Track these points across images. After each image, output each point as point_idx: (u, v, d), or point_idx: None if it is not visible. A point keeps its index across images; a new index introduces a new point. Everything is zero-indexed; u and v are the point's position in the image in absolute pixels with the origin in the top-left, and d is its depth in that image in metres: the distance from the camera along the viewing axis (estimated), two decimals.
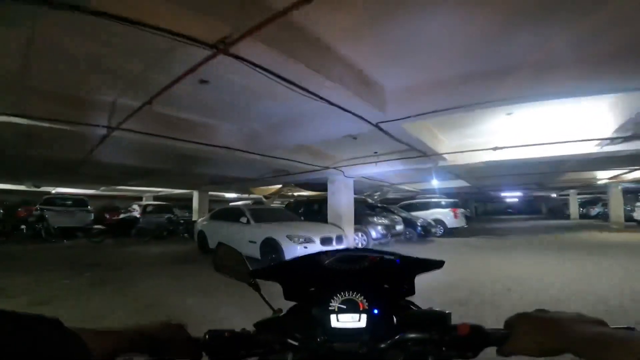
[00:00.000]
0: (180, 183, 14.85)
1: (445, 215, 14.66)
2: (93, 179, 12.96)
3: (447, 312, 0.70)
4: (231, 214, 8.99)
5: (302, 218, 9.44)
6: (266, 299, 0.91)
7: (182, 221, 14.37)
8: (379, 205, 13.27)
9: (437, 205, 15.20)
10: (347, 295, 0.75)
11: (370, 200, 13.72)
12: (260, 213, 8.71)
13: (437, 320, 0.69)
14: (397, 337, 0.68)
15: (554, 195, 28.81)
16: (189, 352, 0.66)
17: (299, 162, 7.91)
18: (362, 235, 10.22)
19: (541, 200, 34.78)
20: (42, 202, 13.67)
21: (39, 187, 18.13)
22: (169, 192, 19.27)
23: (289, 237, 6.83)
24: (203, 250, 9.57)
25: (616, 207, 16.88)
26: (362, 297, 0.75)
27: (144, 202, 16.45)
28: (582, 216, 24.78)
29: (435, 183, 14.64)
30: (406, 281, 0.82)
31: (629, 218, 16.86)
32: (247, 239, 7.78)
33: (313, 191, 15.12)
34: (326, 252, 0.82)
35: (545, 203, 34.84)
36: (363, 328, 0.72)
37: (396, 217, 11.39)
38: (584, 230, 15.25)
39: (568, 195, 25.13)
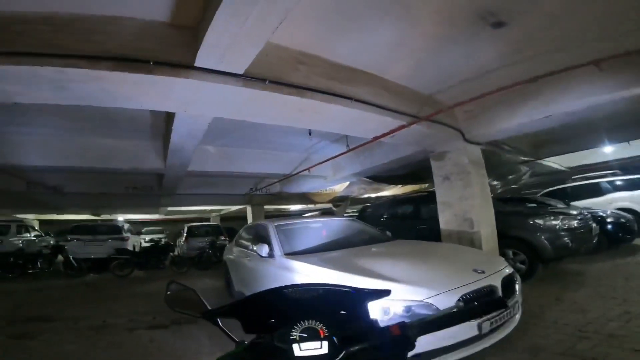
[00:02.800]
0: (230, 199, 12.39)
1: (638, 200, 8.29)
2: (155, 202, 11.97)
3: (374, 319, 0.84)
4: (255, 236, 4.69)
5: (389, 233, 4.56)
6: (227, 332, 0.94)
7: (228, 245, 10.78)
8: (526, 197, 7.69)
9: (617, 187, 8.77)
10: (307, 324, 0.78)
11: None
12: (300, 233, 4.22)
13: (377, 330, 0.82)
14: (344, 353, 0.75)
15: None
16: None
17: (362, 100, 3.31)
18: (515, 255, 5.02)
19: None
20: (70, 230, 11.49)
21: (98, 215, 17.10)
22: (228, 209, 16.75)
23: None
24: (229, 292, 5.53)
25: None
26: (322, 325, 0.78)
27: (188, 225, 13.32)
28: None
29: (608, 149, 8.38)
30: (362, 307, 0.86)
31: None
32: (268, 286, 3.35)
33: (404, 185, 10.05)
34: (284, 286, 0.89)
35: None
36: (326, 354, 0.75)
37: (574, 212, 5.73)
38: None
39: None
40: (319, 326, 0.78)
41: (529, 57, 3.24)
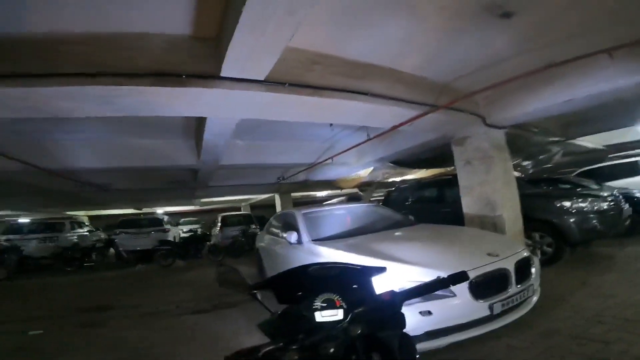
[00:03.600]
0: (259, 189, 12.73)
1: None
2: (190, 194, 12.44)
3: (374, 290, 1.08)
4: (284, 224, 4.95)
5: (411, 217, 4.71)
6: (265, 304, 1.13)
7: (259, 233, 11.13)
8: (558, 178, 7.43)
9: None
10: (326, 295, 0.98)
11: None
12: (326, 219, 4.44)
13: (375, 298, 1.05)
14: (350, 316, 0.94)
15: None
16: None
17: (378, 95, 3.43)
18: (542, 237, 4.98)
19: None
20: (118, 224, 12.40)
21: (140, 209, 18.26)
22: (257, 197, 17.27)
23: None
24: (261, 277, 5.84)
25: None
26: (338, 296, 0.97)
27: (222, 215, 13.86)
28: None
29: None
30: (367, 281, 1.10)
31: None
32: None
33: (428, 169, 10.02)
34: (308, 264, 1.15)
35: None
36: (340, 320, 0.94)
37: (604, 193, 5.50)
38: None
39: None
40: (336, 297, 0.97)
41: (543, 45, 3.21)
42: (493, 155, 4.92)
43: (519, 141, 6.82)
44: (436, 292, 2.38)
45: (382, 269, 1.17)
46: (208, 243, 11.80)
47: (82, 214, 17.53)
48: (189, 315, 4.35)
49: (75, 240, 11.22)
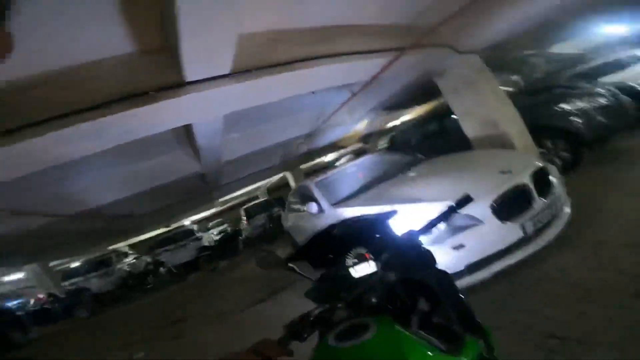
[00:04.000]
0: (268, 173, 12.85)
1: None
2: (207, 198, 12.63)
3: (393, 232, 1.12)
4: (302, 197, 5.04)
5: (417, 155, 4.70)
6: (304, 274, 1.16)
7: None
8: (548, 85, 7.14)
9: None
10: (355, 251, 1.07)
11: None
12: (338, 181, 4.51)
13: (396, 239, 1.06)
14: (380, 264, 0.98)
15: None
16: (281, 352, 0.82)
17: (344, 53, 3.48)
18: (554, 144, 4.91)
19: None
20: (153, 245, 13.07)
21: (169, 225, 18.96)
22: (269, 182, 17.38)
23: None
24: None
25: None
26: (366, 250, 1.03)
27: (243, 208, 13.76)
28: None
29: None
30: (385, 227, 1.14)
31: None
32: None
33: (416, 106, 9.83)
34: (330, 225, 1.22)
35: None
36: (375, 271, 0.98)
37: (599, 89, 5.22)
38: None
39: None
40: (364, 251, 1.03)
41: None
42: (476, 79, 4.90)
43: (497, 61, 6.63)
44: (463, 224, 2.47)
45: (393, 212, 1.25)
46: (240, 238, 12.31)
47: (123, 245, 18.34)
48: (251, 307, 4.69)
49: (128, 269, 11.95)
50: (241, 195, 18.29)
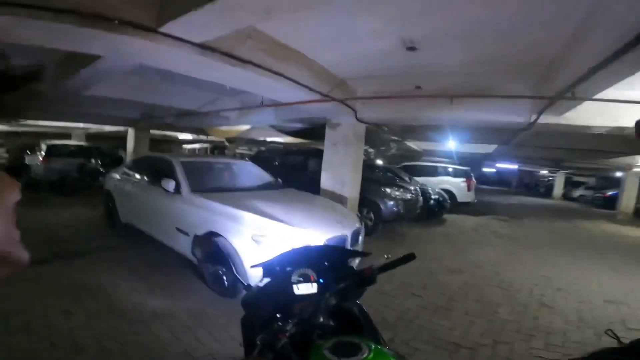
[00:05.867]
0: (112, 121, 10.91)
1: (457, 186, 11.51)
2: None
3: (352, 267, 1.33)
4: (152, 169, 4.81)
5: (278, 180, 5.33)
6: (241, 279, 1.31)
7: (102, 170, 9.55)
8: (388, 167, 9.69)
9: (447, 172, 11.95)
10: (302, 270, 1.11)
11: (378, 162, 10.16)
12: (204, 171, 4.65)
13: (354, 274, 1.16)
14: (330, 291, 1.07)
15: (543, 171, 26.83)
16: None
17: (289, 78, 4.02)
18: (367, 213, 6.76)
19: (521, 174, 32.56)
20: None
21: None
22: (100, 128, 14.47)
23: (256, 241, 3.17)
24: (111, 222, 5.61)
25: (629, 196, 14.71)
26: (312, 272, 1.10)
27: (47, 142, 10.49)
28: (564, 196, 23.13)
29: (452, 145, 11.33)
30: (344, 262, 1.30)
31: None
32: (172, 222, 3.98)
33: (296, 138, 11.11)
34: (297, 248, 1.33)
35: (520, 177, 32.81)
36: (315, 293, 1.07)
37: (411, 187, 7.85)
38: (589, 219, 12.79)
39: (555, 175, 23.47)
40: (310, 272, 1.09)
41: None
42: (353, 142, 6.30)
43: (372, 134, 8.66)
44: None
45: (364, 254, 1.36)
46: (25, 175, 9.70)
47: None
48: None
49: None
50: (50, 127, 14.33)
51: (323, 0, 2.48)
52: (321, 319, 1.01)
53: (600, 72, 2.81)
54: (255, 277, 1.76)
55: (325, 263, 1.19)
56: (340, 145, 6.35)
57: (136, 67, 4.09)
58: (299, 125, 8.86)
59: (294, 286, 1.07)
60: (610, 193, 17.66)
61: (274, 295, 1.10)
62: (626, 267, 5.74)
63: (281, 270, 1.17)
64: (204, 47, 3.01)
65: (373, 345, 0.90)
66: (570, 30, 2.85)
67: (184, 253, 3.88)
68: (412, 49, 3.58)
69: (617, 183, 16.04)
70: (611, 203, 16.33)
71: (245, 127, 10.64)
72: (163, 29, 2.64)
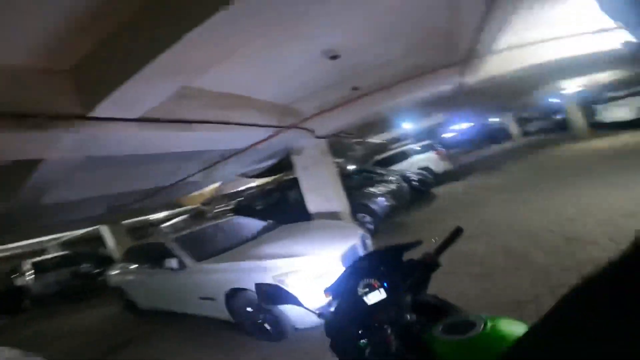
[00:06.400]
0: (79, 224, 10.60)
1: (430, 160, 11.77)
2: None
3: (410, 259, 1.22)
4: (150, 255, 4.90)
5: (270, 221, 5.36)
6: (308, 308, 1.23)
7: (95, 271, 10.26)
8: (362, 169, 9.77)
9: (416, 151, 12.23)
10: (365, 281, 1.10)
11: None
12: (199, 239, 4.68)
13: (414, 265, 1.18)
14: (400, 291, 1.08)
15: (495, 119, 27.78)
16: None
17: (239, 123, 4.03)
18: (363, 217, 6.72)
19: (479, 129, 33.54)
20: None
21: None
22: (72, 234, 13.85)
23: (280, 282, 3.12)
24: (134, 312, 5.82)
25: (575, 116, 15.30)
26: (374, 279, 1.10)
27: (31, 261, 10.64)
28: (524, 134, 23.63)
29: (406, 125, 11.73)
30: (399, 259, 1.22)
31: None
32: (193, 294, 4.08)
33: (268, 176, 11.05)
34: (355, 261, 1.26)
35: (479, 131, 33.76)
36: (385, 297, 1.07)
37: (391, 177, 7.97)
38: (555, 145, 13.12)
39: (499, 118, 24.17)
40: (372, 280, 1.09)
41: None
42: (322, 160, 6.33)
43: (336, 145, 8.76)
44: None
45: (417, 243, 1.25)
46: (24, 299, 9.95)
47: None
48: None
49: None
50: (19, 247, 13.66)
51: (242, 43, 2.45)
52: (408, 317, 1.02)
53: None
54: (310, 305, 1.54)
55: (381, 268, 1.17)
56: (312, 167, 6.36)
57: (84, 162, 3.92)
58: (267, 164, 8.82)
59: (364, 298, 1.07)
60: (558, 117, 18.13)
61: (349, 313, 1.11)
62: (618, 179, 5.63)
63: (346, 289, 1.16)
64: (143, 120, 2.95)
65: (485, 316, 0.88)
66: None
67: (216, 316, 3.96)
68: (334, 57, 3.73)
69: (559, 106, 16.42)
70: (563, 125, 16.59)
71: (216, 185, 10.48)
72: (94, 114, 2.51)
